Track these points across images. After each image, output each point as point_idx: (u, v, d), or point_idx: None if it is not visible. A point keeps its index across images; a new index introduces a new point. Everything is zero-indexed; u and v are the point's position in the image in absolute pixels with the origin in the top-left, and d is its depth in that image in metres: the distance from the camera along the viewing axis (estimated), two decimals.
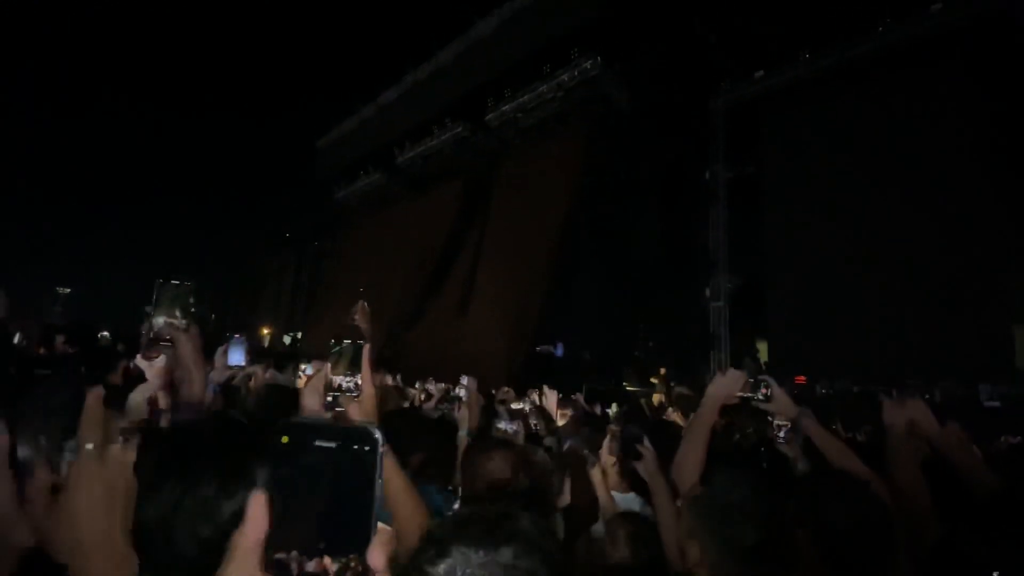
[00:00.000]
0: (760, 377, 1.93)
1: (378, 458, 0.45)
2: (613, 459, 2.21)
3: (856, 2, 11.72)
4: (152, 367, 1.36)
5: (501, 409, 4.43)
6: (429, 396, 5.08)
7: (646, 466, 1.84)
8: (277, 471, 0.46)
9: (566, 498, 2.09)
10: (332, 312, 20.45)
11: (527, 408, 4.74)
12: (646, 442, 1.89)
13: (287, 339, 22.19)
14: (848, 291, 10.78)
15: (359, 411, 1.13)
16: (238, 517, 0.45)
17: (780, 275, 12.31)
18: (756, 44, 13.05)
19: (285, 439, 0.45)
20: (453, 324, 16.33)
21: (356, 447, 0.45)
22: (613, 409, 6.87)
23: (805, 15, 12.11)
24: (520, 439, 2.73)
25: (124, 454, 0.67)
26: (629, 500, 2.16)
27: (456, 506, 1.69)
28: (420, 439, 1.91)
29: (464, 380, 3.72)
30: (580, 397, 5.53)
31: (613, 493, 2.14)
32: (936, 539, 1.36)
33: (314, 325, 21.91)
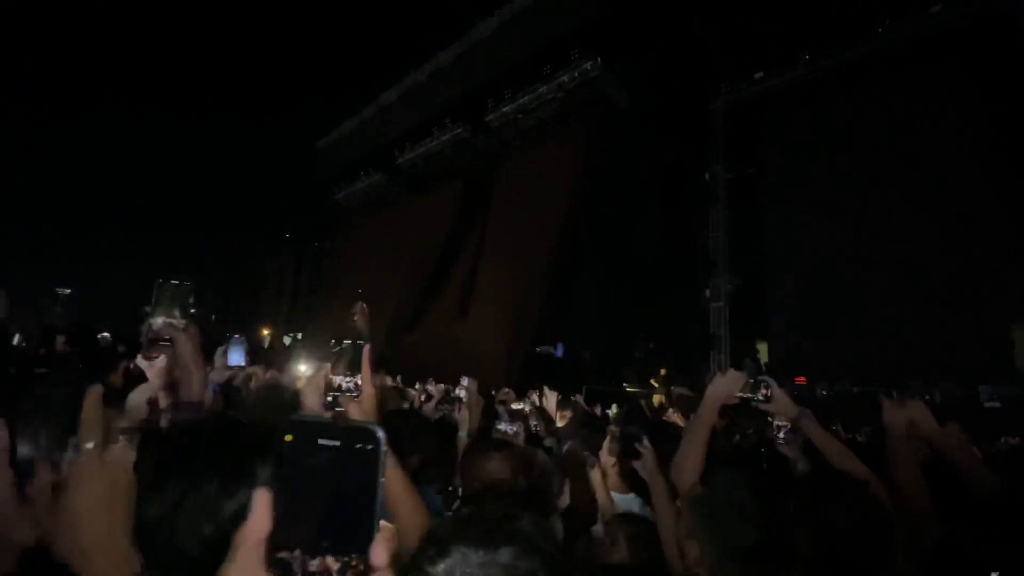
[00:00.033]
0: (760, 378, 1.93)
1: (381, 457, 0.45)
2: (613, 460, 2.21)
3: (856, 3, 11.73)
4: (152, 367, 1.36)
5: (501, 410, 4.43)
6: (429, 397, 5.07)
7: (645, 465, 1.84)
8: (280, 470, 0.46)
9: (565, 499, 2.09)
10: (332, 312, 20.45)
11: (527, 409, 4.74)
12: (645, 442, 1.90)
13: (287, 339, 22.18)
14: (848, 292, 10.78)
15: (359, 411, 1.14)
16: (240, 516, 0.45)
17: (780, 276, 12.31)
18: (756, 45, 13.06)
19: (289, 437, 0.45)
20: (453, 325, 16.33)
21: (359, 446, 0.45)
22: (613, 410, 6.86)
23: (805, 16, 12.12)
24: (520, 440, 2.73)
25: (125, 453, 0.67)
26: (629, 501, 2.16)
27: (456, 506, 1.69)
28: (419, 440, 1.92)
29: (464, 381, 3.71)
30: (580, 398, 5.53)
31: (613, 494, 2.14)
32: (936, 540, 1.36)
33: (314, 325, 21.91)
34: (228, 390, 2.88)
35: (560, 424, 3.97)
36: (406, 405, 4.72)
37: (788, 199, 12.35)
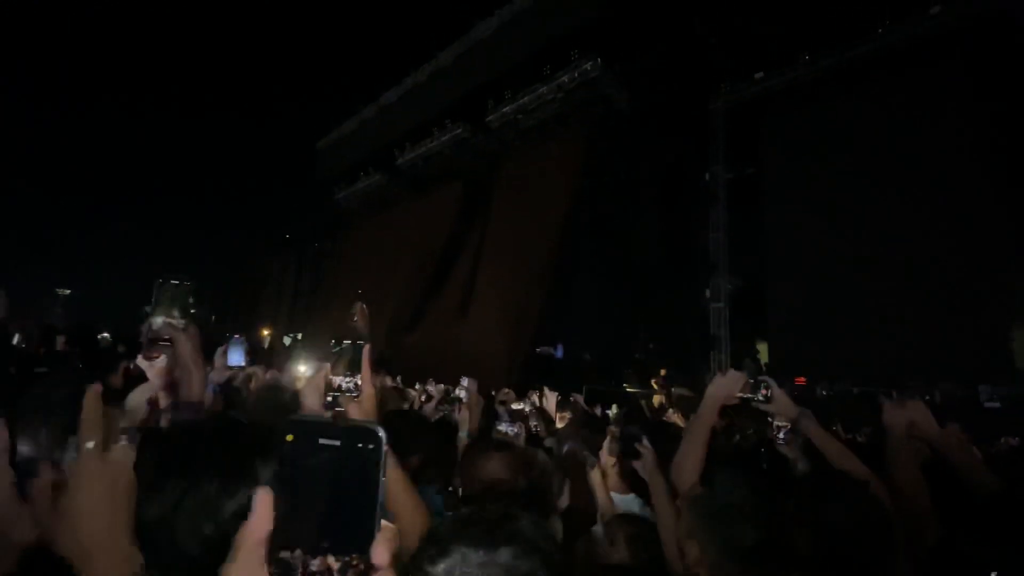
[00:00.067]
0: (760, 378, 1.94)
1: (382, 457, 0.45)
2: (613, 460, 2.21)
3: (856, 4, 11.73)
4: (153, 367, 1.36)
5: (502, 410, 4.43)
6: (429, 397, 5.07)
7: (645, 465, 1.85)
8: (281, 469, 0.46)
9: (565, 500, 2.09)
10: (332, 313, 20.46)
11: (527, 409, 4.74)
12: (645, 442, 1.90)
13: (287, 340, 22.19)
14: (848, 292, 10.78)
15: (359, 411, 1.14)
16: (240, 515, 0.45)
17: (780, 276, 12.31)
18: (756, 45, 13.06)
19: (290, 437, 0.45)
20: (453, 325, 16.32)
21: (360, 445, 0.45)
22: (613, 410, 6.86)
23: (805, 16, 12.12)
24: (521, 441, 2.73)
25: (125, 453, 0.68)
26: (629, 501, 2.16)
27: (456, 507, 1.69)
28: (419, 440, 1.92)
29: (464, 382, 3.71)
30: (580, 398, 5.52)
31: (612, 494, 2.14)
32: (936, 540, 1.36)
33: (314, 326, 21.91)
34: (228, 390, 2.88)
35: (559, 425, 3.97)
36: (406, 406, 4.72)
37: (788, 199, 12.35)
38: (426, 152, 20.16)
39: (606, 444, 2.27)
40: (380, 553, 0.43)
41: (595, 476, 2.10)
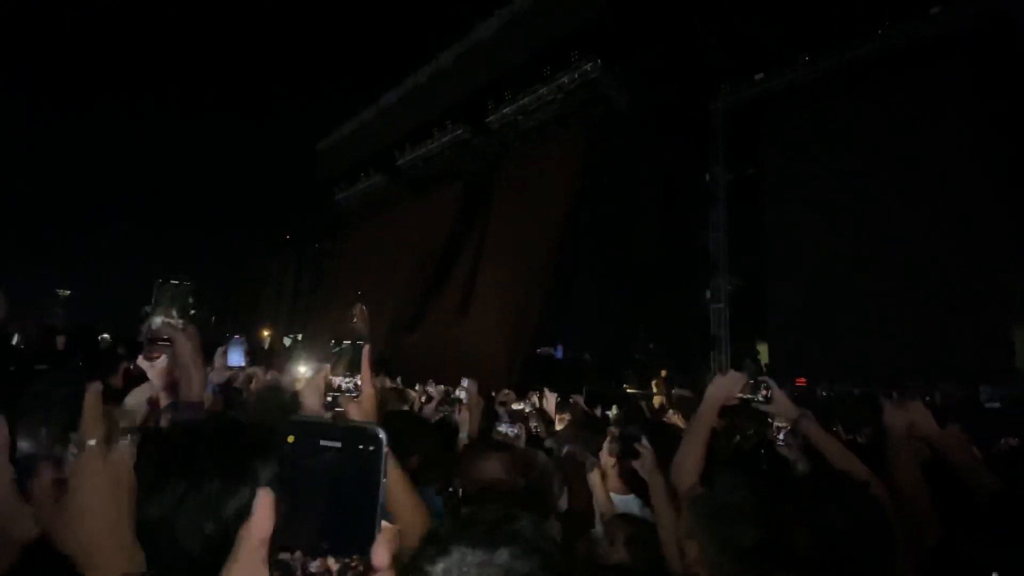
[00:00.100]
0: (760, 379, 1.93)
1: (382, 458, 0.45)
2: (612, 460, 2.21)
3: (855, 5, 11.74)
4: (154, 368, 1.36)
5: (502, 411, 4.43)
6: (429, 399, 5.08)
7: (644, 465, 1.85)
8: (282, 470, 0.46)
9: (563, 502, 2.09)
10: (333, 314, 20.46)
11: (527, 409, 4.74)
12: (644, 441, 1.90)
13: (287, 340, 22.19)
14: (848, 293, 10.77)
15: (359, 412, 1.14)
16: (241, 514, 0.45)
17: (780, 277, 12.30)
18: (756, 46, 13.07)
19: (291, 438, 0.45)
20: (453, 326, 16.32)
21: (360, 447, 0.45)
22: (613, 411, 6.86)
23: (805, 17, 12.13)
24: (522, 442, 2.73)
25: (126, 451, 0.68)
26: (628, 502, 2.16)
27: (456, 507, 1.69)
28: (418, 441, 1.92)
29: (464, 383, 3.71)
30: (580, 399, 5.52)
31: (612, 495, 2.14)
32: (937, 540, 1.36)
33: (314, 327, 21.91)
34: (228, 391, 2.88)
35: (559, 428, 3.96)
36: (406, 406, 4.72)
37: (788, 200, 12.35)
38: (426, 153, 20.17)
39: (606, 445, 2.27)
40: (380, 554, 0.43)
41: (595, 477, 2.10)
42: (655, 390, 10.98)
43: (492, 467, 1.59)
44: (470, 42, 18.55)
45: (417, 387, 6.74)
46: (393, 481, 1.00)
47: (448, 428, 3.37)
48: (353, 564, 0.43)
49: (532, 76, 16.30)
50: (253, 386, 3.77)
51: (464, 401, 3.39)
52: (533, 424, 3.85)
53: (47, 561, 0.67)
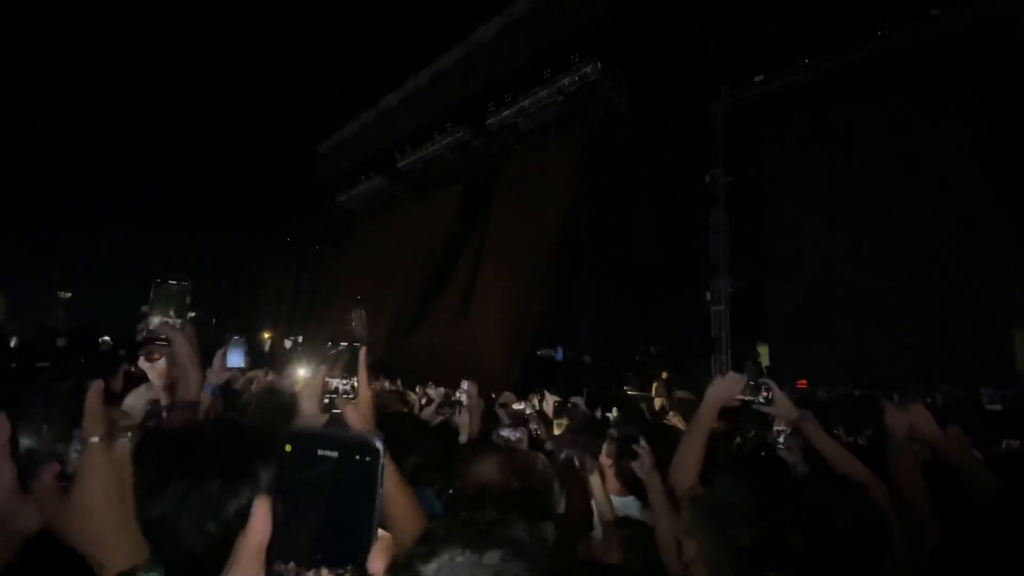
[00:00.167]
0: (761, 380, 1.94)
1: (379, 468, 0.45)
2: (609, 461, 2.21)
3: (855, 6, 11.76)
4: (154, 369, 1.37)
5: (502, 413, 4.42)
6: (430, 400, 5.08)
7: (642, 465, 1.85)
8: (279, 479, 0.46)
9: (561, 508, 2.08)
10: (333, 315, 20.47)
11: (528, 411, 4.73)
12: (642, 442, 1.90)
13: (288, 342, 22.19)
14: (849, 294, 10.77)
15: (355, 414, 1.13)
16: (243, 514, 0.45)
17: (781, 278, 12.30)
18: (756, 48, 13.09)
19: (288, 448, 0.45)
20: (453, 328, 16.33)
21: (358, 457, 0.45)
22: (614, 413, 6.86)
23: (805, 19, 12.15)
24: (523, 446, 2.73)
25: (127, 449, 0.70)
26: (628, 504, 2.15)
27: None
28: (417, 442, 1.92)
29: (464, 385, 3.71)
30: (581, 401, 5.51)
31: (612, 497, 2.14)
32: (937, 542, 1.35)
33: (315, 328, 21.92)
34: (228, 392, 2.88)
35: (557, 432, 3.96)
36: (406, 409, 4.72)
37: (788, 201, 12.36)
38: (427, 155, 20.20)
39: (605, 446, 2.27)
40: (375, 564, 0.43)
41: (595, 480, 2.10)
42: (655, 392, 10.97)
43: (486, 469, 1.59)
44: (470, 44, 18.59)
45: (417, 389, 6.74)
46: (389, 484, 1.00)
47: (449, 430, 3.37)
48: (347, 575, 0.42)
49: (532, 78, 16.32)
50: (254, 388, 3.77)
51: (464, 403, 3.39)
52: (533, 426, 3.85)
53: (52, 555, 0.69)
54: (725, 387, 1.84)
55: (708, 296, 13.32)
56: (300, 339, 22.37)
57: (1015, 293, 9.14)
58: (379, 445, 0.45)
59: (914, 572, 1.27)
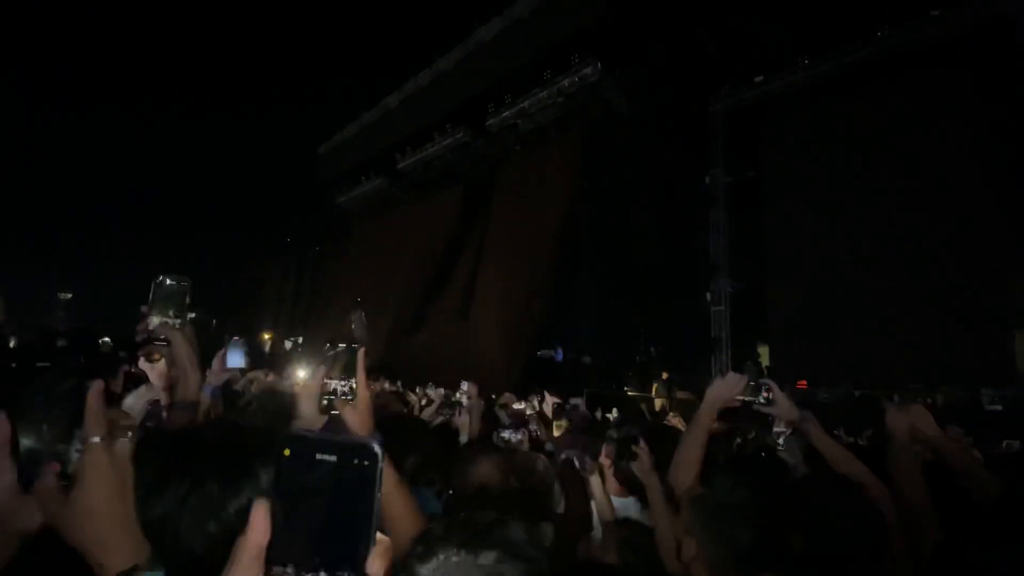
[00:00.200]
0: (761, 381, 1.94)
1: (378, 473, 0.45)
2: (609, 462, 2.22)
3: (855, 7, 11.76)
4: (154, 369, 1.37)
5: (502, 414, 4.42)
6: (430, 401, 5.08)
7: (641, 466, 1.85)
8: (277, 483, 0.46)
9: (560, 509, 2.09)
10: (333, 316, 20.48)
11: (528, 411, 4.73)
12: (641, 443, 1.90)
13: (288, 343, 22.20)
14: (849, 295, 10.77)
15: (354, 415, 1.13)
16: (243, 514, 0.45)
17: (781, 279, 12.30)
18: (756, 49, 13.10)
19: (287, 452, 0.45)
20: (454, 329, 16.33)
21: (356, 461, 0.45)
22: (614, 414, 6.86)
23: (805, 20, 12.16)
24: (524, 447, 2.73)
25: (127, 448, 0.70)
26: (627, 505, 2.15)
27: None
28: (416, 443, 1.92)
29: (464, 386, 3.71)
30: (581, 402, 5.50)
31: (612, 498, 2.14)
32: (937, 543, 1.35)
33: (315, 329, 21.93)
34: (229, 393, 2.88)
35: (556, 434, 3.96)
36: (406, 410, 4.72)
37: (788, 202, 12.36)
38: (427, 156, 20.21)
39: (604, 447, 2.27)
40: (374, 567, 0.43)
41: (595, 481, 2.10)
42: (655, 393, 10.97)
43: (484, 469, 1.59)
44: (470, 45, 18.60)
45: (417, 390, 6.74)
46: (388, 486, 1.00)
47: (449, 431, 3.37)
48: None
49: (532, 79, 16.33)
50: (254, 388, 3.77)
51: (464, 404, 3.40)
52: (532, 427, 3.85)
53: (52, 554, 0.69)
54: (725, 388, 1.84)
55: (708, 296, 13.32)
56: (300, 340, 22.37)
57: (1015, 293, 9.13)
58: (377, 449, 0.45)
59: (914, 572, 1.27)
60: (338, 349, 1.16)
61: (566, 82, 15.47)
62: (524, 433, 2.98)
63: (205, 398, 1.57)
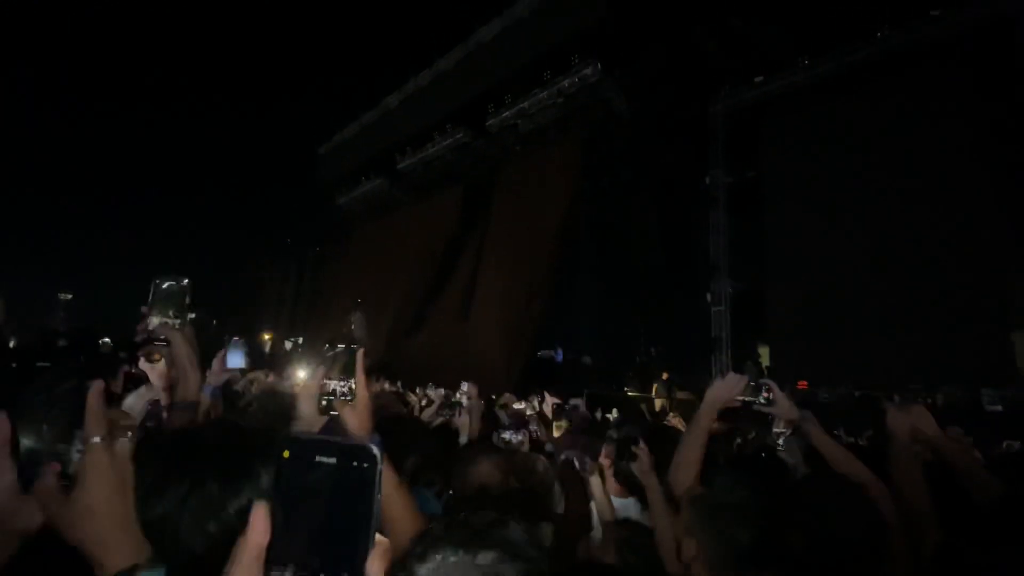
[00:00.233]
0: (762, 381, 1.94)
1: (377, 475, 0.45)
2: (608, 462, 2.22)
3: (855, 7, 11.77)
4: (154, 369, 1.37)
5: (502, 414, 4.43)
6: (430, 402, 5.08)
7: (640, 466, 1.85)
8: (277, 485, 0.46)
9: (559, 509, 2.09)
10: (333, 317, 20.49)
11: (528, 411, 4.73)
12: (641, 444, 1.90)
13: (288, 344, 22.21)
14: (849, 295, 10.77)
15: (353, 415, 1.13)
16: (244, 514, 0.45)
17: (781, 279, 12.30)
18: (755, 49, 13.10)
19: (286, 453, 0.45)
20: (454, 329, 16.34)
21: (356, 463, 0.45)
22: (614, 414, 6.86)
23: (804, 20, 12.16)
24: (525, 448, 2.73)
25: (127, 448, 0.71)
26: (627, 505, 2.15)
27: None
28: (416, 443, 1.92)
29: (464, 387, 3.71)
30: (581, 402, 5.50)
31: (612, 498, 2.14)
32: (937, 543, 1.35)
33: (315, 330, 21.93)
34: (229, 393, 2.87)
35: (556, 434, 3.96)
36: (407, 410, 4.72)
37: (788, 202, 12.36)
38: (427, 156, 20.23)
39: (604, 448, 2.27)
40: (373, 568, 0.43)
41: (595, 481, 2.10)
42: (655, 393, 10.97)
43: (484, 470, 1.59)
44: (470, 46, 18.62)
45: (417, 390, 6.75)
46: (387, 487, 1.00)
47: (449, 432, 3.37)
48: None
49: (532, 80, 16.34)
50: (254, 389, 3.77)
51: (464, 405, 3.40)
52: (532, 428, 3.85)
53: (53, 553, 0.70)
54: (725, 388, 1.85)
55: (708, 297, 13.32)
56: (300, 340, 22.38)
57: (1015, 293, 9.13)
58: (377, 451, 0.46)
59: (914, 573, 1.27)
60: (337, 350, 1.16)
61: (566, 82, 15.48)
62: (525, 434, 2.98)
63: (205, 398, 1.57)
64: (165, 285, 1.26)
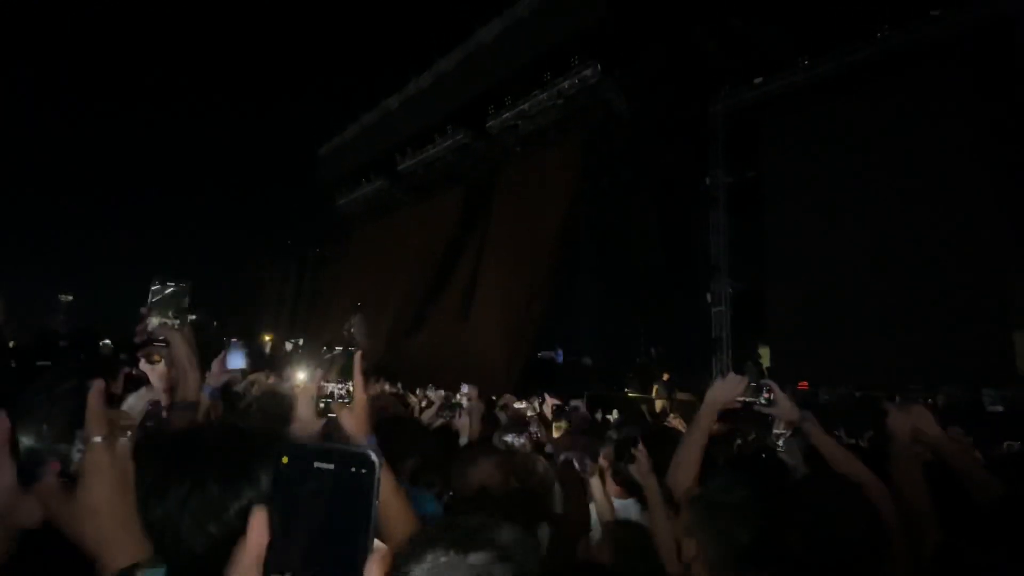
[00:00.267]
0: (763, 381, 1.94)
1: (376, 481, 0.45)
2: (607, 463, 2.22)
3: (855, 7, 11.77)
4: (155, 370, 1.37)
5: (502, 415, 4.43)
6: (430, 403, 5.08)
7: (639, 467, 1.85)
8: (275, 491, 0.46)
9: (559, 510, 2.09)
10: (334, 318, 20.50)
11: (529, 413, 4.73)
12: (640, 445, 1.90)
13: (288, 345, 22.22)
14: (849, 295, 10.76)
15: (350, 418, 1.13)
16: (244, 515, 0.45)
17: (781, 280, 12.30)
18: (755, 50, 13.11)
19: (284, 460, 0.45)
20: (454, 330, 16.34)
21: (354, 469, 0.45)
22: (614, 415, 6.86)
23: (804, 20, 12.17)
24: (526, 450, 2.73)
25: (127, 448, 0.72)
26: (627, 506, 2.15)
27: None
28: (416, 445, 1.92)
29: (464, 388, 3.71)
30: (581, 404, 5.50)
31: (613, 500, 2.14)
32: (938, 544, 1.35)
33: (316, 331, 21.95)
34: (229, 394, 2.87)
35: (556, 435, 3.96)
36: (407, 411, 4.72)
37: (788, 203, 12.36)
38: (427, 157, 20.25)
39: (603, 449, 2.27)
40: (371, 574, 0.43)
41: (595, 482, 2.10)
42: (655, 394, 10.96)
43: (483, 471, 1.59)
44: (470, 47, 18.63)
45: (417, 391, 6.75)
46: (386, 492, 1.01)
47: (449, 433, 3.37)
48: None
49: (532, 81, 16.36)
50: (255, 391, 3.78)
51: (464, 406, 3.40)
52: (533, 429, 3.85)
53: (54, 552, 0.70)
54: (726, 388, 1.85)
55: (709, 297, 13.32)
56: (301, 341, 22.38)
57: (1015, 293, 9.13)
58: (375, 457, 0.46)
59: (914, 573, 1.27)
60: (335, 352, 1.17)
61: (566, 83, 15.50)
62: (526, 437, 2.98)
63: (205, 399, 1.57)
64: (165, 287, 1.26)
